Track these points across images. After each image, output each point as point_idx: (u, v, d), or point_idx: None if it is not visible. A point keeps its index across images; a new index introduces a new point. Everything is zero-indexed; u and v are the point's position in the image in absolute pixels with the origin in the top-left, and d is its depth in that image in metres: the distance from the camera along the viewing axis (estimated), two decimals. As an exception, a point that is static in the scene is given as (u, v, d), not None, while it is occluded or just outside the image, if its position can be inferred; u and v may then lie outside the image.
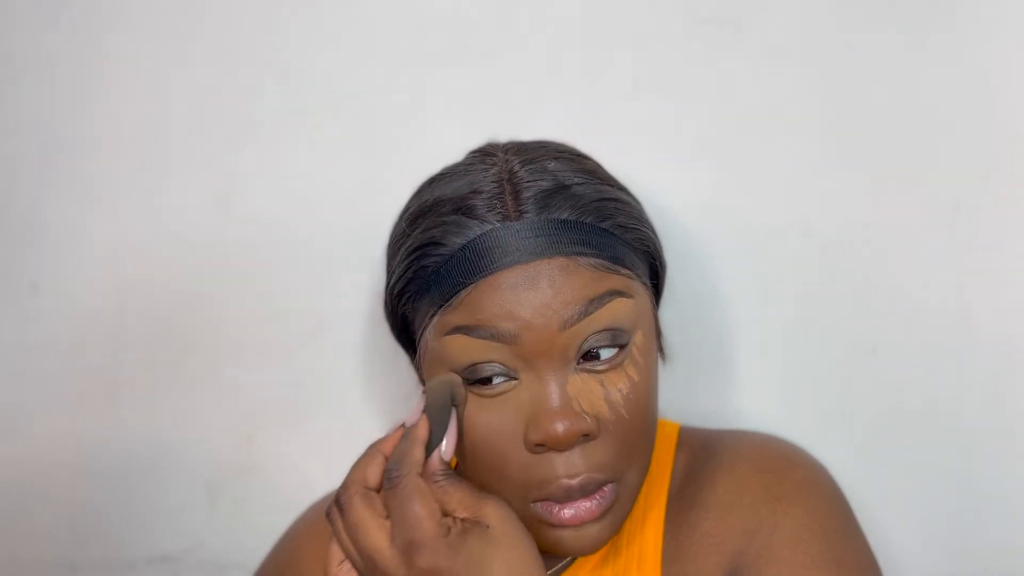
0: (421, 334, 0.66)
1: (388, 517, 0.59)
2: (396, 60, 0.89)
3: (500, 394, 0.63)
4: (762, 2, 0.84)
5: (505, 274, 0.62)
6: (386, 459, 0.62)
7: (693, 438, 0.75)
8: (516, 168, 0.65)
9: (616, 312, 0.63)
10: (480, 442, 0.63)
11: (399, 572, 0.58)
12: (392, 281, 0.68)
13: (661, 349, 0.70)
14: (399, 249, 0.67)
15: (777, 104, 0.84)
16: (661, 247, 0.70)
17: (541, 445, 0.61)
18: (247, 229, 0.91)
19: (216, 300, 0.91)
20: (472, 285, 0.62)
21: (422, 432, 0.62)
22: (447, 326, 0.63)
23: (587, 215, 0.64)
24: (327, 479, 0.83)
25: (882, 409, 0.84)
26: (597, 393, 0.62)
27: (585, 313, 0.62)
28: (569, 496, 0.62)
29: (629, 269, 0.65)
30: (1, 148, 0.92)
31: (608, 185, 0.67)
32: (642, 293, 0.66)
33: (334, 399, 0.91)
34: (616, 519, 0.64)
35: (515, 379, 0.63)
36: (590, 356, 0.63)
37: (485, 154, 0.69)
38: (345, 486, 0.62)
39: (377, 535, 0.59)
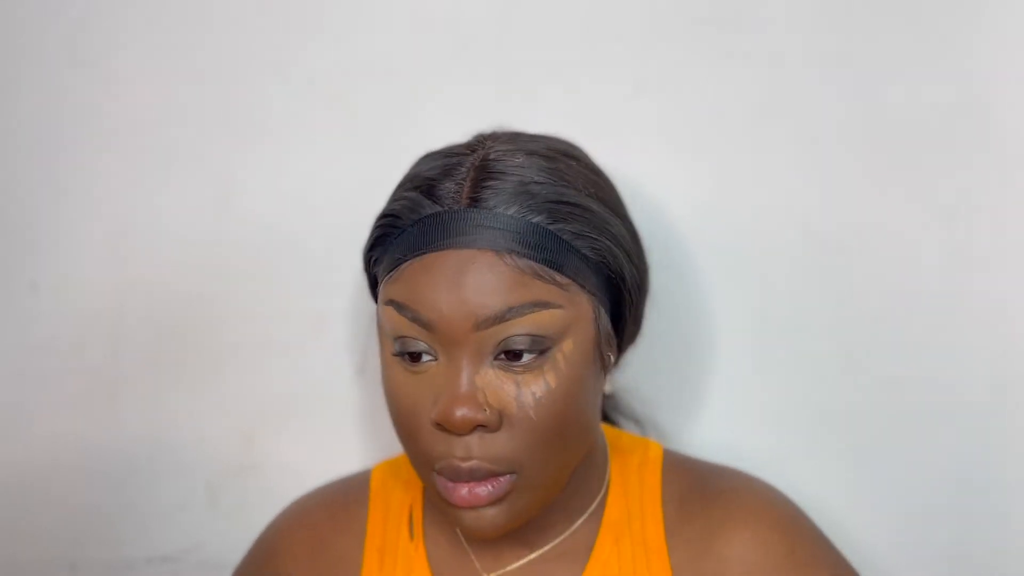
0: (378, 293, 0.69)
1: None
2: (396, 60, 0.88)
3: (424, 371, 0.65)
4: (762, 2, 0.84)
5: (436, 257, 0.64)
6: None
7: (679, 465, 0.75)
8: (489, 157, 0.66)
9: (538, 322, 0.63)
10: (399, 409, 0.66)
11: None
12: (367, 240, 0.70)
13: (604, 358, 0.68)
14: None
15: (777, 104, 0.84)
16: (627, 261, 0.68)
17: (440, 425, 0.64)
18: (247, 229, 0.91)
19: (216, 300, 0.91)
20: (408, 262, 0.65)
21: None
22: (386, 296, 0.66)
23: (536, 215, 0.64)
24: (326, 479, 0.83)
25: (880, 409, 0.84)
26: (508, 390, 0.64)
27: (501, 319, 0.63)
28: (456, 476, 0.64)
29: (569, 277, 0.64)
30: (1, 148, 0.92)
31: (574, 189, 0.66)
32: (581, 302, 0.65)
33: (334, 399, 0.91)
34: (514, 509, 0.65)
35: (435, 359, 0.65)
36: (512, 355, 0.64)
37: (476, 140, 0.71)
38: None
39: None
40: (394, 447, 0.90)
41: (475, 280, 0.63)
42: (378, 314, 0.68)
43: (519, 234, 0.63)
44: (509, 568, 0.72)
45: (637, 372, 0.85)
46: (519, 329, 0.63)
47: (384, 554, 0.75)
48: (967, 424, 0.83)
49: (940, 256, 0.83)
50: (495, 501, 0.64)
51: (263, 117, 0.90)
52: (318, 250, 0.90)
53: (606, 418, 0.84)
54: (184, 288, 0.91)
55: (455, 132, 0.85)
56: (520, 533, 0.71)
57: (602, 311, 0.67)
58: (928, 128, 0.82)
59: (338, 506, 0.78)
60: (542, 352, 0.64)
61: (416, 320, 0.64)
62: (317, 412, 0.92)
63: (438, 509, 0.74)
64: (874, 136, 0.83)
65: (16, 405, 0.93)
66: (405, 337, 0.65)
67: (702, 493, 0.73)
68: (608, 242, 0.66)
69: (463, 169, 0.66)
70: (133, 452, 0.93)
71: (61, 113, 0.91)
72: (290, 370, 0.91)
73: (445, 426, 0.63)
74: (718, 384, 0.87)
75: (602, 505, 0.73)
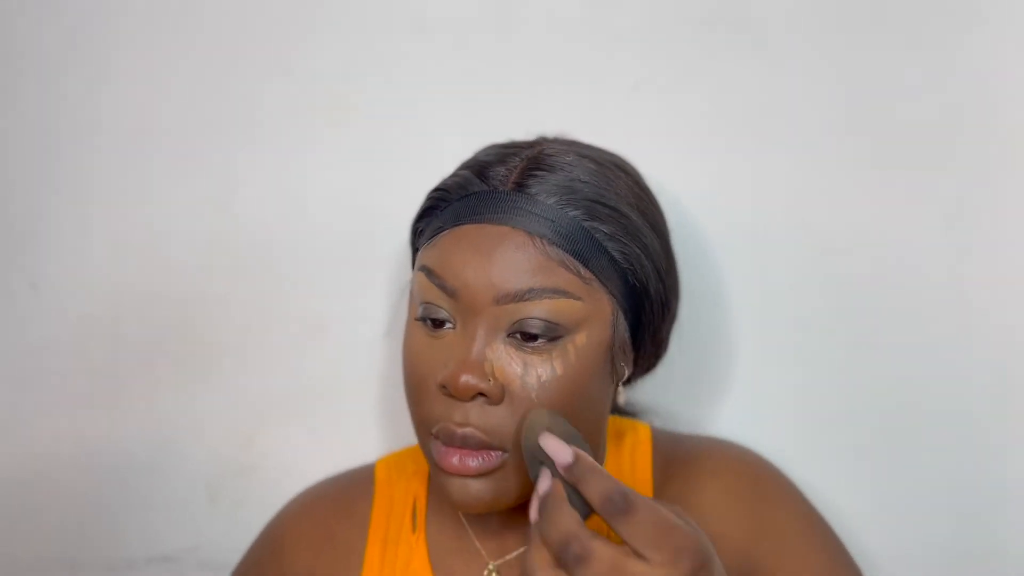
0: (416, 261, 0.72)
1: (627, 542, 0.55)
2: (396, 60, 0.88)
3: (442, 337, 0.67)
4: (762, 2, 0.84)
5: (471, 229, 0.66)
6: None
7: (664, 440, 0.78)
8: (544, 152, 0.69)
9: (555, 308, 0.65)
10: (412, 371, 0.68)
11: None
12: (417, 211, 0.72)
13: (615, 368, 0.69)
14: None
15: (777, 104, 0.85)
16: (654, 274, 0.69)
17: (444, 387, 0.65)
18: (247, 229, 0.91)
19: (216, 300, 0.91)
20: (445, 232, 0.67)
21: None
22: (420, 262, 0.69)
23: (574, 209, 0.66)
24: (319, 480, 0.83)
25: (881, 408, 0.85)
26: (515, 368, 0.65)
27: (520, 298, 0.64)
28: (451, 440, 0.65)
29: (593, 273, 0.66)
30: (1, 148, 0.92)
31: (616, 194, 0.68)
32: (600, 300, 0.67)
33: (334, 399, 0.91)
34: (500, 486, 0.66)
35: (454, 327, 0.67)
36: (526, 335, 0.65)
37: (537, 139, 0.74)
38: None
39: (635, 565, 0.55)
40: (394, 445, 0.90)
41: (503, 256, 0.65)
42: (412, 281, 0.70)
43: (553, 223, 0.66)
44: (513, 555, 0.73)
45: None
46: (535, 311, 0.64)
47: (386, 545, 0.76)
48: (967, 424, 0.83)
49: (940, 256, 0.83)
50: (483, 474, 0.66)
51: (263, 117, 0.90)
52: (318, 250, 0.90)
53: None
54: (184, 288, 0.91)
55: (455, 132, 0.85)
56: (524, 522, 0.71)
57: (621, 316, 0.68)
58: (928, 128, 0.83)
59: (343, 498, 0.79)
60: (554, 339, 0.65)
61: (442, 287, 0.66)
62: (317, 412, 0.92)
63: (440, 499, 0.76)
64: (874, 136, 0.83)
65: (16, 405, 0.93)
66: (429, 303, 0.67)
67: (684, 457, 0.76)
68: (638, 250, 0.68)
69: (517, 159, 0.69)
70: (133, 452, 0.93)
71: (61, 113, 0.91)
72: (290, 370, 0.91)
73: (449, 389, 0.65)
74: (716, 384, 0.87)
75: None
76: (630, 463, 0.76)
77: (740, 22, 0.85)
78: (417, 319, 0.68)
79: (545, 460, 0.60)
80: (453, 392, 0.65)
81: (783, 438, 0.84)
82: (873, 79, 0.83)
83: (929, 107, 0.82)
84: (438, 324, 0.67)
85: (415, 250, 0.73)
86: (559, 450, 0.59)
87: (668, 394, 0.87)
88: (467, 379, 0.64)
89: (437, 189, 0.70)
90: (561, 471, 0.59)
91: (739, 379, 0.87)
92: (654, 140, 0.86)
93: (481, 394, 0.65)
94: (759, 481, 0.75)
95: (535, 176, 0.67)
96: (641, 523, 0.55)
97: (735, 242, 0.86)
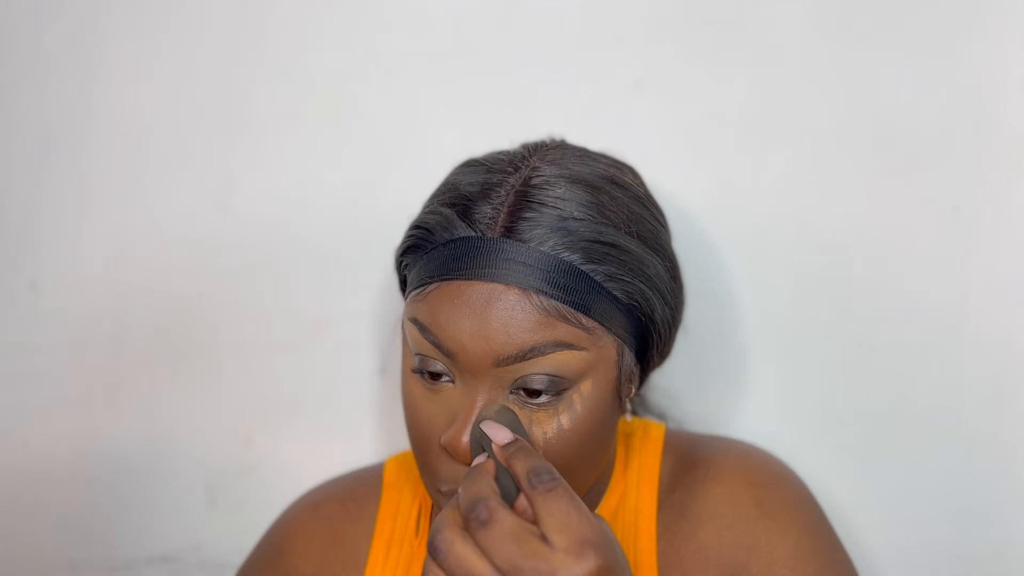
0: (405, 300, 0.69)
1: (536, 521, 0.56)
2: (396, 60, 0.88)
3: (441, 390, 0.65)
4: (762, 2, 0.84)
5: (463, 286, 0.63)
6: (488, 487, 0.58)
7: (678, 442, 0.76)
8: (531, 183, 0.65)
9: (557, 363, 0.63)
10: (414, 423, 0.67)
11: (570, 572, 0.54)
12: (400, 243, 0.70)
13: (621, 398, 0.68)
14: (417, 215, 0.70)
15: (777, 104, 0.84)
16: (659, 302, 0.67)
17: (447, 449, 0.64)
18: (247, 229, 0.91)
19: (216, 300, 0.91)
20: (435, 284, 0.64)
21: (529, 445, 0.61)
22: (411, 313, 0.66)
23: (570, 252, 0.63)
24: (326, 479, 0.83)
25: (881, 408, 0.85)
26: None
27: (522, 358, 0.62)
28: None
29: (596, 320, 0.64)
30: (1, 148, 0.92)
31: (613, 227, 0.64)
32: (605, 345, 0.65)
33: (334, 399, 0.91)
34: None
35: (453, 381, 0.65)
36: (529, 392, 0.63)
37: (520, 156, 0.69)
38: (440, 528, 0.57)
39: (538, 546, 0.54)
40: (394, 447, 0.90)
41: (499, 317, 0.62)
42: (403, 322, 0.68)
43: (549, 273, 0.62)
44: None
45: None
46: (539, 368, 0.62)
47: (391, 546, 0.75)
48: (967, 423, 0.83)
49: (940, 256, 0.83)
50: None
51: (263, 117, 0.90)
52: (318, 250, 0.90)
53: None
54: (184, 288, 0.91)
55: (455, 132, 0.85)
56: None
57: (626, 351, 0.67)
58: (928, 128, 0.82)
59: (351, 499, 0.79)
60: (559, 392, 0.63)
61: (437, 346, 0.64)
62: (317, 412, 0.92)
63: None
64: (874, 136, 0.83)
65: (16, 405, 0.93)
66: (426, 357, 0.65)
67: (691, 460, 0.74)
68: (642, 284, 0.66)
69: (502, 192, 0.65)
70: (133, 452, 0.93)
71: (61, 113, 0.91)
72: (290, 370, 0.91)
73: (452, 452, 0.64)
74: (716, 384, 0.87)
75: (601, 494, 0.74)
76: (636, 464, 0.75)
77: (740, 22, 0.85)
78: (414, 371, 0.66)
79: (485, 444, 0.61)
80: (456, 456, 0.63)
81: (783, 438, 0.84)
82: (873, 79, 0.83)
83: (929, 107, 0.82)
84: (436, 376, 0.65)
85: (403, 278, 0.71)
86: (498, 432, 0.60)
87: (668, 394, 0.87)
88: (470, 443, 0.63)
89: (418, 227, 0.67)
90: (496, 451, 0.60)
91: (739, 379, 0.87)
92: (654, 140, 0.86)
93: None
94: (765, 495, 0.72)
95: (525, 219, 0.63)
96: (557, 505, 0.55)
97: (734, 242, 0.86)
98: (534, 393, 0.63)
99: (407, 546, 0.75)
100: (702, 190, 0.86)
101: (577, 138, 0.75)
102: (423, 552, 0.74)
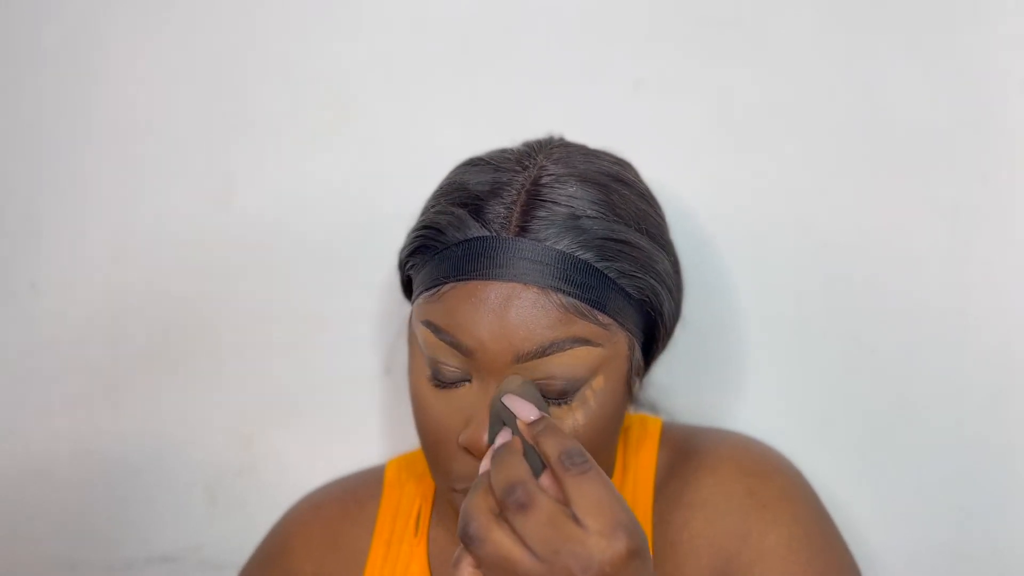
0: (413, 302, 0.69)
1: (567, 502, 0.55)
2: (397, 60, 0.88)
3: (455, 390, 0.65)
4: (762, 2, 0.84)
5: (480, 285, 0.63)
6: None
7: (674, 434, 0.77)
8: (540, 181, 0.65)
9: (576, 358, 0.63)
10: (427, 425, 0.66)
11: (605, 555, 0.53)
12: (404, 244, 0.70)
13: (631, 391, 0.69)
14: (421, 216, 0.69)
15: (777, 105, 0.84)
16: (667, 296, 0.68)
17: (464, 448, 0.64)
18: (247, 229, 0.91)
19: (216, 300, 0.91)
20: (450, 285, 0.64)
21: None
22: (423, 315, 0.66)
23: (585, 251, 0.64)
24: (326, 479, 0.83)
25: (881, 409, 0.84)
26: None
27: (542, 354, 0.63)
28: None
29: (611, 316, 0.64)
30: (1, 148, 0.92)
31: (624, 224, 0.65)
32: (618, 340, 0.65)
33: (334, 399, 0.91)
34: None
35: (469, 381, 0.65)
36: (547, 392, 0.63)
37: (525, 154, 0.69)
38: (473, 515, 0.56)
39: (570, 527, 0.54)
40: (395, 446, 0.90)
41: (519, 314, 0.62)
42: (411, 324, 0.68)
43: (566, 271, 0.63)
44: None
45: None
46: (555, 366, 0.63)
47: (390, 546, 0.75)
48: (967, 423, 0.83)
49: (940, 257, 0.83)
50: None
51: (263, 116, 0.90)
52: (318, 250, 0.90)
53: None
54: (184, 288, 0.91)
55: (455, 131, 0.85)
56: None
57: (636, 345, 0.67)
58: (928, 128, 0.82)
59: (352, 500, 0.79)
60: (575, 389, 0.64)
61: (455, 345, 0.64)
62: (317, 412, 0.92)
63: (444, 507, 0.76)
64: (874, 136, 0.83)
65: (16, 405, 0.93)
66: (440, 362, 0.65)
67: (686, 451, 0.75)
68: (652, 280, 0.66)
69: (512, 191, 0.65)
70: (133, 452, 0.93)
71: (60, 113, 0.91)
72: (290, 370, 0.91)
73: (471, 451, 0.64)
74: (717, 384, 0.87)
75: None
76: (634, 457, 0.75)
77: (740, 22, 0.85)
78: (427, 378, 0.66)
79: (507, 419, 0.60)
80: (476, 454, 0.63)
81: (783, 438, 0.84)
82: (873, 79, 0.83)
83: (929, 108, 0.82)
84: (451, 384, 0.65)
85: (407, 280, 0.71)
86: (523, 407, 0.60)
87: (668, 393, 0.87)
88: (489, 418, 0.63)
89: (428, 227, 0.67)
90: (522, 427, 0.59)
91: (738, 379, 0.87)
92: (654, 140, 0.86)
93: None
94: (757, 484, 0.72)
95: (539, 218, 0.63)
96: (591, 488, 0.55)
97: (734, 242, 0.85)
98: (551, 392, 0.63)
99: (406, 546, 0.75)
100: (702, 190, 0.85)
101: (577, 137, 0.74)
102: (422, 552, 0.74)
